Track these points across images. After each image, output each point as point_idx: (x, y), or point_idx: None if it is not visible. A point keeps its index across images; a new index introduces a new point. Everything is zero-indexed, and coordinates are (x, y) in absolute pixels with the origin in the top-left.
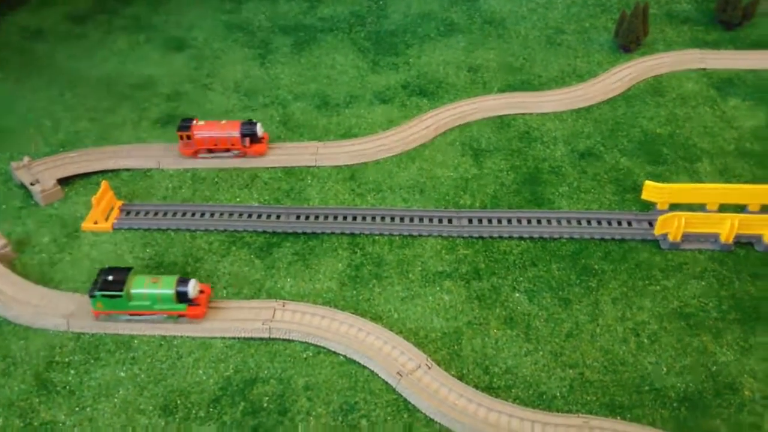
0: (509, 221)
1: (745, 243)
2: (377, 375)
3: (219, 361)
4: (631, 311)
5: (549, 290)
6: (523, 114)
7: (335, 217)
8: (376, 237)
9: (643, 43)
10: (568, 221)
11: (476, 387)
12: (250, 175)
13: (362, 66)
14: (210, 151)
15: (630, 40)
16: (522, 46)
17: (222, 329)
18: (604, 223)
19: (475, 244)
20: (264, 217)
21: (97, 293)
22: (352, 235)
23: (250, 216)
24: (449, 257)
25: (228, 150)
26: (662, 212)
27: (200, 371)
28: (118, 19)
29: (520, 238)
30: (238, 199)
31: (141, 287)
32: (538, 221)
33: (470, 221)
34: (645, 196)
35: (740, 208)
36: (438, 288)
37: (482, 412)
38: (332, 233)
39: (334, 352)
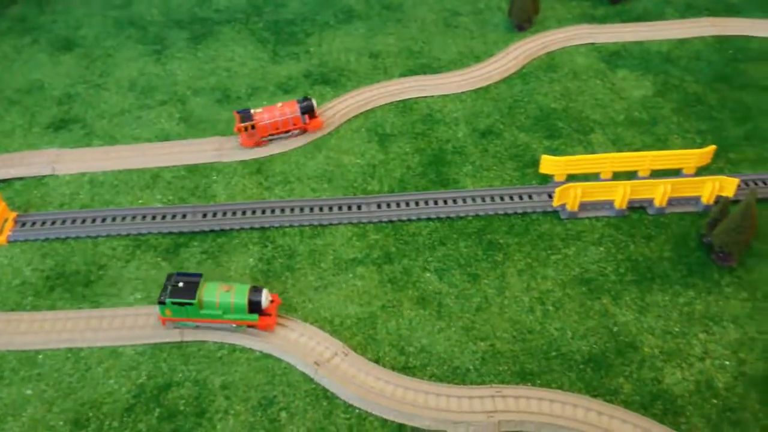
0: (417, 203)
1: (638, 207)
2: (294, 367)
3: (130, 369)
4: (535, 281)
5: (458, 267)
6: (425, 97)
7: (243, 212)
8: (287, 229)
9: (535, 22)
10: (473, 199)
11: (393, 368)
12: (151, 175)
13: (262, 57)
14: (269, 136)
15: (523, 19)
16: (420, 30)
17: (131, 337)
18: (507, 199)
19: (385, 229)
20: (169, 217)
21: (168, 300)
22: (262, 229)
23: (154, 218)
24: (360, 243)
25: (288, 131)
26: (560, 184)
27: (111, 381)
28: (1, 22)
29: (428, 219)
30: (140, 201)
31: (213, 296)
32: (445, 201)
33: (379, 206)
34: (543, 169)
35: (632, 175)
36: (351, 275)
37: (399, 392)
38: (241, 229)
39: (250, 349)
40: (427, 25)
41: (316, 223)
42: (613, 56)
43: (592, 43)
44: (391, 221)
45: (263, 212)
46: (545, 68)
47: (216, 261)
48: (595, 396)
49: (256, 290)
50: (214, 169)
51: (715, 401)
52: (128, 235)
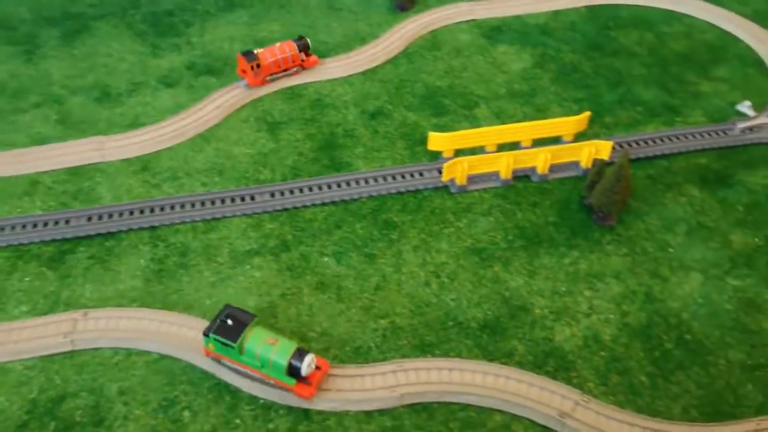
0: (311, 189)
1: (522, 176)
2: (194, 365)
3: (21, 385)
4: (430, 255)
5: (355, 249)
6: (313, 82)
7: (131, 213)
8: (178, 226)
9: (417, 1)
10: (366, 181)
11: None
12: (29, 181)
13: (142, 51)
14: (271, 75)
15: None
16: (304, 14)
17: (18, 351)
18: (399, 178)
19: (280, 217)
20: (51, 224)
21: (211, 335)
22: (152, 228)
23: (35, 226)
24: (256, 234)
25: (287, 69)
26: (448, 160)
27: (2, 398)
28: None
29: (323, 204)
30: (19, 210)
31: (256, 345)
32: (339, 185)
33: (273, 195)
34: (431, 146)
35: (515, 146)
36: (248, 266)
37: None
38: (130, 230)
39: (147, 351)
40: (311, 10)
41: (208, 217)
42: (494, 31)
43: (473, 20)
44: (285, 209)
45: (152, 211)
46: (429, 47)
47: (105, 266)
48: (491, 360)
49: (300, 354)
50: (97, 170)
51: (602, 353)
52: (8, 246)
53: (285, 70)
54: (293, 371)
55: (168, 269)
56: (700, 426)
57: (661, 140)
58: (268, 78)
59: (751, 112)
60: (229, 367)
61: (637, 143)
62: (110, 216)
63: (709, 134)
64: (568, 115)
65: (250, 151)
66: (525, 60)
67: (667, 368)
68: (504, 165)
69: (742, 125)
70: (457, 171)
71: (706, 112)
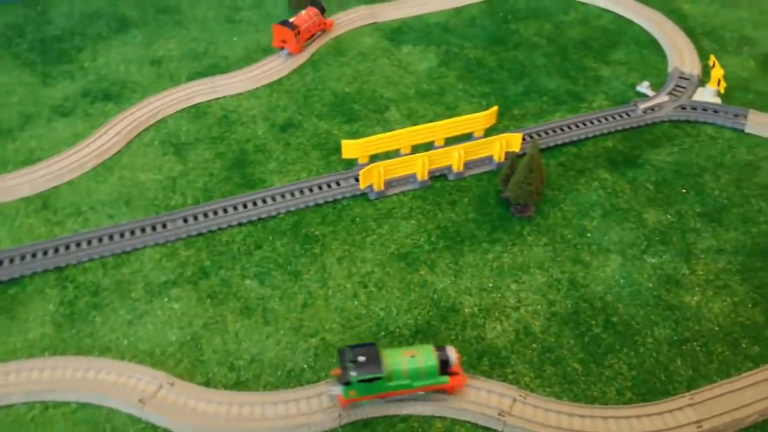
0: (225, 211)
1: (439, 176)
2: (118, 410)
3: None
4: (355, 266)
5: (278, 268)
6: (218, 99)
7: (34, 255)
8: (87, 264)
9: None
10: (282, 196)
11: (225, 387)
12: None
13: (31, 81)
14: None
15: (303, 6)
16: (202, 29)
17: None
18: (316, 189)
19: (195, 243)
20: None
21: (355, 381)
22: (59, 269)
23: None
24: (171, 264)
25: (314, 35)
26: (364, 166)
27: None
28: None
29: (240, 224)
30: None
31: (399, 364)
32: (254, 203)
33: (185, 220)
34: (345, 154)
35: (429, 146)
36: (166, 299)
37: (234, 410)
38: (34, 274)
39: (65, 402)
40: (209, 24)
41: (119, 251)
42: (396, 33)
43: (375, 23)
44: (201, 234)
45: (56, 251)
46: (334, 53)
47: (10, 315)
48: None
49: (440, 349)
50: None
51: (534, 346)
52: None
53: (313, 35)
54: (444, 367)
55: (79, 312)
56: (635, 407)
57: (569, 127)
58: (304, 44)
59: (650, 92)
60: (366, 403)
61: (546, 132)
62: (11, 261)
63: (613, 117)
64: (476, 111)
65: (158, 176)
66: (430, 59)
67: (598, 353)
68: (420, 166)
69: (643, 105)
70: (373, 177)
71: (608, 96)
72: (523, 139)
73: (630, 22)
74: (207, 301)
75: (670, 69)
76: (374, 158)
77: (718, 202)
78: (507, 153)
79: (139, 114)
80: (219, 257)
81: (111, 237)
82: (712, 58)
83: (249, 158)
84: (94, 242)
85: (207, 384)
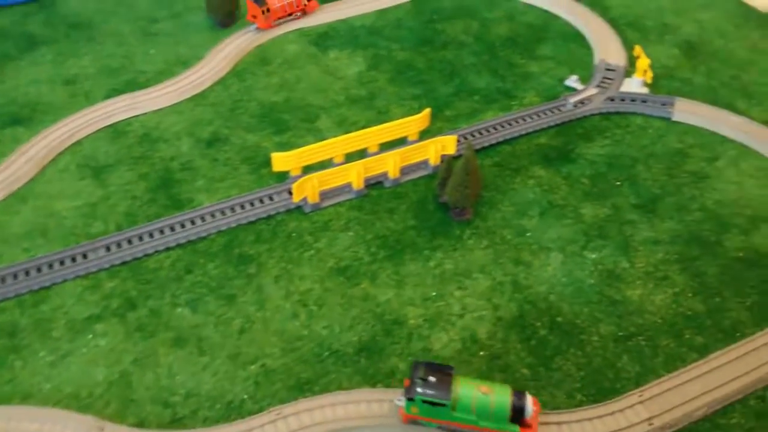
0: (151, 235)
1: (375, 184)
2: None
3: None
4: (293, 284)
5: (211, 293)
6: (138, 116)
7: None
8: (1, 304)
9: (238, 16)
10: (212, 215)
11: (159, 427)
12: None
13: None
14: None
15: (224, 14)
16: (117, 44)
17: None
18: (248, 206)
19: (120, 272)
20: None
21: (419, 398)
22: None
23: None
24: (94, 296)
25: (292, 14)
26: (297, 178)
27: None
28: None
29: (168, 249)
30: None
31: (469, 396)
32: (182, 225)
33: (108, 249)
34: (276, 167)
35: (363, 154)
36: (90, 335)
37: None
38: None
39: None
40: (125, 38)
41: (36, 287)
42: (322, 38)
43: (300, 29)
44: (125, 262)
45: None
46: (258, 62)
47: None
48: (374, 384)
49: (518, 394)
50: None
51: (482, 353)
52: None
53: (290, 14)
54: (517, 415)
55: None
56: (586, 409)
57: (501, 126)
58: (275, 23)
59: (579, 86)
60: (433, 427)
61: (480, 132)
62: None
63: (545, 113)
64: (409, 114)
65: (76, 203)
66: (358, 63)
67: (545, 356)
68: (355, 175)
69: (573, 99)
70: (307, 189)
71: (538, 92)
72: (457, 141)
73: (554, 17)
74: (136, 334)
75: (596, 61)
76: (307, 169)
77: (652, 193)
78: (442, 156)
79: (52, 138)
80: (146, 286)
81: (27, 272)
82: (637, 49)
83: (174, 177)
84: (9, 279)
85: (140, 425)
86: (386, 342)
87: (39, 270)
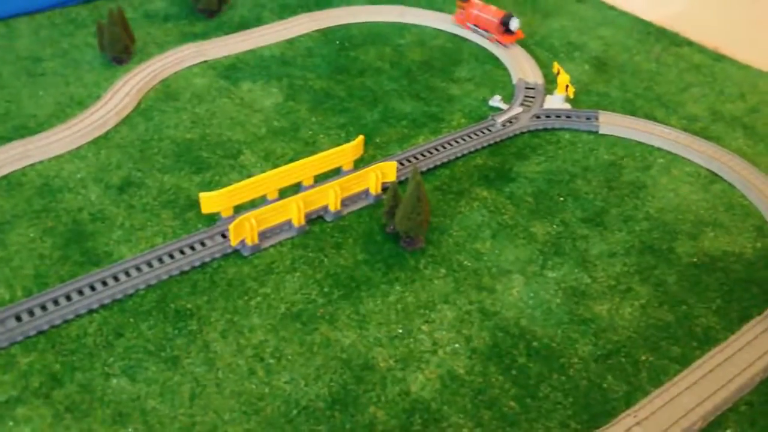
0: (68, 298)
1: (316, 219)
2: None
3: None
4: (244, 337)
5: (150, 357)
6: (33, 165)
7: None
8: None
9: (134, 51)
10: (138, 269)
11: None
12: None
13: None
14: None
15: (118, 50)
16: None
17: None
18: (178, 255)
19: (37, 344)
20: None
21: None
22: None
23: None
24: (9, 376)
25: (486, 30)
26: (230, 219)
27: None
28: None
29: (91, 311)
30: None
31: None
32: (104, 283)
33: (19, 319)
34: (205, 209)
35: (298, 188)
36: (11, 423)
37: None
38: None
39: None
40: (6, 80)
41: None
42: (231, 70)
43: (205, 61)
44: (41, 332)
45: None
46: (164, 98)
47: None
48: None
49: None
50: None
51: (464, 390)
52: None
53: (485, 30)
54: None
55: None
56: None
57: (436, 149)
58: (470, 24)
59: (503, 105)
60: None
61: (415, 157)
62: None
63: (476, 134)
64: (337, 143)
65: None
66: (275, 94)
67: (529, 385)
68: (295, 211)
69: (500, 119)
70: (245, 230)
71: (464, 113)
72: (396, 167)
73: (464, 40)
74: (66, 416)
75: (514, 81)
76: (238, 209)
77: (596, 206)
78: (384, 184)
79: None
80: (71, 357)
81: None
82: (556, 66)
83: (86, 230)
84: None
85: None
86: (359, 390)
87: None
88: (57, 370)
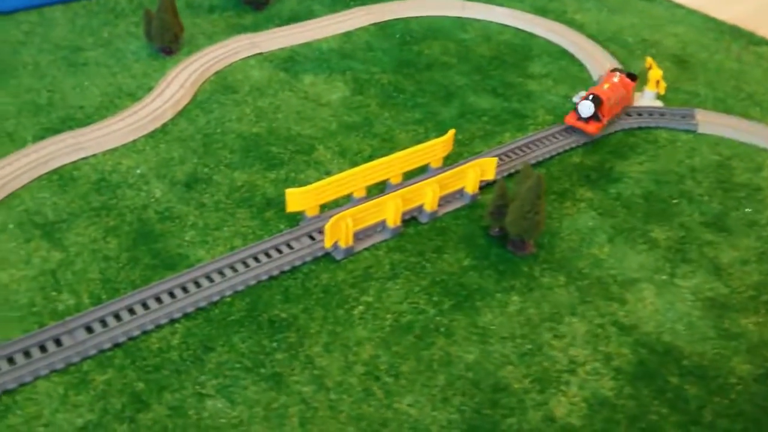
0: (145, 306)
1: (407, 220)
2: None
3: None
4: (352, 352)
5: (248, 374)
6: (86, 158)
7: None
8: None
9: (182, 42)
10: (221, 273)
11: None
12: None
13: None
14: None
15: (168, 39)
16: (37, 77)
17: None
18: (263, 258)
19: (113, 359)
20: None
21: None
22: None
23: None
24: (85, 397)
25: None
26: (315, 219)
27: None
28: None
29: (172, 321)
30: None
31: None
32: (184, 289)
33: (90, 330)
34: (291, 207)
35: (384, 186)
36: None
37: None
38: None
39: None
40: (45, 70)
41: None
42: (288, 62)
43: (259, 54)
44: (117, 345)
45: None
46: (222, 90)
47: None
48: None
49: None
50: None
51: (617, 416)
52: None
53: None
54: None
55: None
56: None
57: (528, 147)
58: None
59: None
60: None
61: (507, 155)
62: None
63: (566, 132)
64: (416, 139)
65: (28, 271)
66: (340, 88)
67: (689, 410)
68: (391, 210)
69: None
70: (341, 230)
71: (547, 110)
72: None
73: (532, 35)
74: None
75: (595, 77)
76: (322, 208)
77: (714, 209)
78: (482, 182)
79: None
80: (156, 374)
81: None
82: (649, 60)
83: (154, 230)
84: None
85: None
86: (497, 416)
87: None
88: (141, 389)
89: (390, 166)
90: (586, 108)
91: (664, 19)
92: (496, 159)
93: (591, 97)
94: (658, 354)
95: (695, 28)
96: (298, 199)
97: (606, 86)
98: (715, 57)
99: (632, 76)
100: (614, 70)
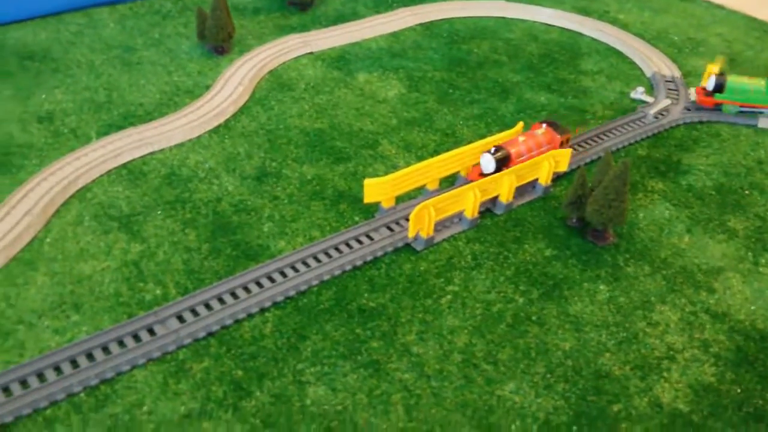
0: (235, 295)
1: (483, 212)
2: None
3: None
4: (446, 340)
5: (345, 361)
6: (153, 153)
7: None
8: (47, 412)
9: (233, 41)
10: (305, 263)
11: None
12: None
13: None
14: None
15: (222, 38)
16: (93, 75)
17: None
18: (344, 248)
19: (209, 348)
20: None
21: None
22: (4, 426)
23: None
24: (185, 385)
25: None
26: (390, 210)
27: None
28: None
29: (262, 310)
30: None
31: None
32: (270, 279)
33: (181, 319)
34: (368, 198)
35: (454, 178)
36: None
37: None
38: None
39: None
40: (100, 69)
41: (94, 381)
42: (340, 61)
43: (311, 53)
44: (211, 334)
45: None
46: (279, 88)
47: None
48: None
49: None
50: None
51: (725, 401)
52: None
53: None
54: None
55: None
56: None
57: (593, 140)
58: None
59: (647, 98)
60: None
61: (574, 148)
62: None
63: (629, 126)
64: (478, 133)
65: (110, 263)
66: (395, 86)
67: None
68: (471, 200)
69: (652, 111)
70: (424, 220)
71: (604, 105)
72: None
73: (579, 34)
74: (266, 431)
75: (649, 74)
76: (397, 199)
77: None
78: (555, 173)
79: (47, 185)
80: (253, 362)
81: (74, 362)
82: (722, 60)
83: (231, 222)
84: (49, 374)
85: None
86: (602, 401)
87: (90, 357)
88: (239, 376)
89: (464, 156)
90: (487, 162)
91: (706, 19)
92: (570, 150)
93: (493, 150)
94: (754, 341)
95: (738, 27)
96: (376, 189)
97: (521, 139)
98: (762, 56)
99: (563, 131)
100: (546, 122)
